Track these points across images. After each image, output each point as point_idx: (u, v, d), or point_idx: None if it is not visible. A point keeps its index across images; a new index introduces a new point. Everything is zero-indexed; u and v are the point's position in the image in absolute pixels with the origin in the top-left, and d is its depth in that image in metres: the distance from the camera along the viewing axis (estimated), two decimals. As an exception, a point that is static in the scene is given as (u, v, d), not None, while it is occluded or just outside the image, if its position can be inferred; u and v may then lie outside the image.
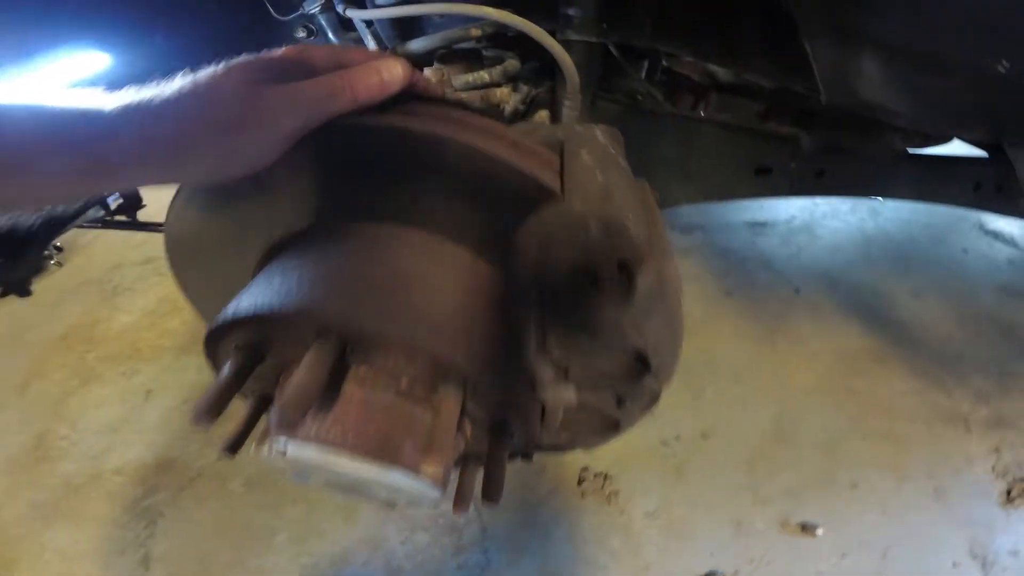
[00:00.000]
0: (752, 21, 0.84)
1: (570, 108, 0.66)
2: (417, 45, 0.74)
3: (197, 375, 1.66)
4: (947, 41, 0.63)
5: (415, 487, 0.41)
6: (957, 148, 1.09)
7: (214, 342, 0.47)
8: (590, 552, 1.08)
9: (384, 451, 0.39)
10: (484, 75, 0.73)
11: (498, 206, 0.43)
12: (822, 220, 1.76)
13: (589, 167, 0.42)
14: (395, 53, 0.76)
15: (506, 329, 0.44)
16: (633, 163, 0.83)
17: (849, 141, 1.06)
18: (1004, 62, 0.58)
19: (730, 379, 1.33)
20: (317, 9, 0.87)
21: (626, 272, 0.40)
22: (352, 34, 0.93)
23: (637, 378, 0.50)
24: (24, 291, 1.13)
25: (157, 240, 0.71)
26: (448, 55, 0.77)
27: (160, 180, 0.41)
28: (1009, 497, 1.15)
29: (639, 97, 0.99)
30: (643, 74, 1.01)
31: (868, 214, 1.84)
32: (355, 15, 0.73)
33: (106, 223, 1.40)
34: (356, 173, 0.46)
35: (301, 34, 0.93)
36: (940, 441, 1.24)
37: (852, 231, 1.71)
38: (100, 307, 1.88)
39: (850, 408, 1.27)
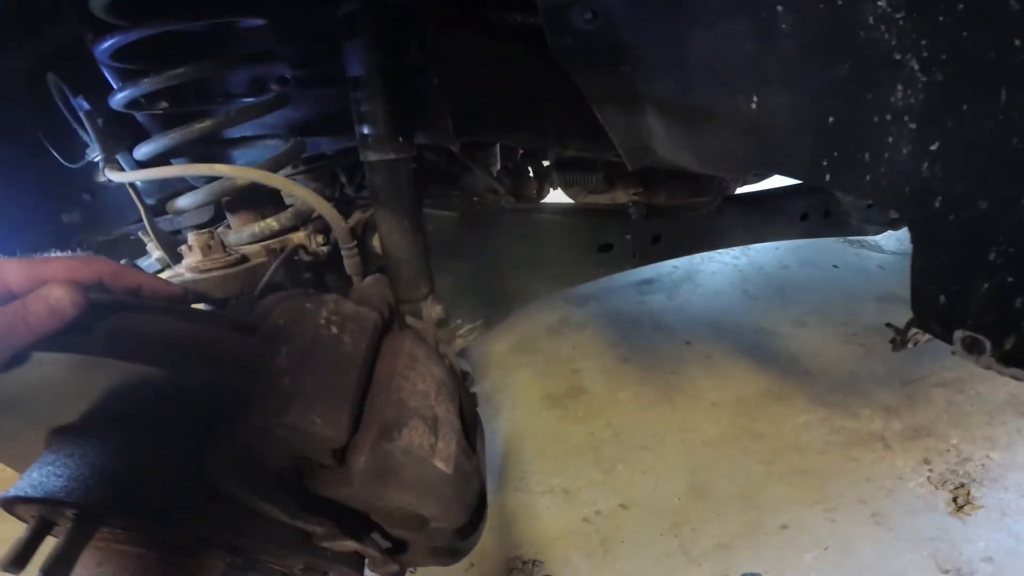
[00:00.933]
0: (554, 103, 0.90)
1: (347, 256, 0.69)
2: (184, 202, 0.75)
3: None
4: (705, 91, 0.68)
5: None
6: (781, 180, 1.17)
7: (8, 507, 0.51)
8: None
9: None
10: (272, 223, 0.76)
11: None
12: (700, 265, 1.87)
13: (280, 371, 0.45)
14: (168, 209, 0.78)
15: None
16: (482, 266, 0.87)
17: (676, 198, 1.14)
18: (753, 99, 0.62)
19: (638, 448, 1.34)
20: (98, 157, 0.90)
21: (341, 456, 0.43)
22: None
23: (423, 527, 0.52)
24: None
25: None
26: (233, 204, 0.79)
27: None
28: (958, 505, 1.16)
29: (475, 198, 1.05)
30: (492, 170, 1.08)
31: (740, 250, 1.94)
32: (113, 176, 0.75)
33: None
34: None
35: (103, 178, 0.95)
36: (861, 465, 1.25)
37: (728, 271, 1.81)
38: None
39: (759, 452, 1.30)
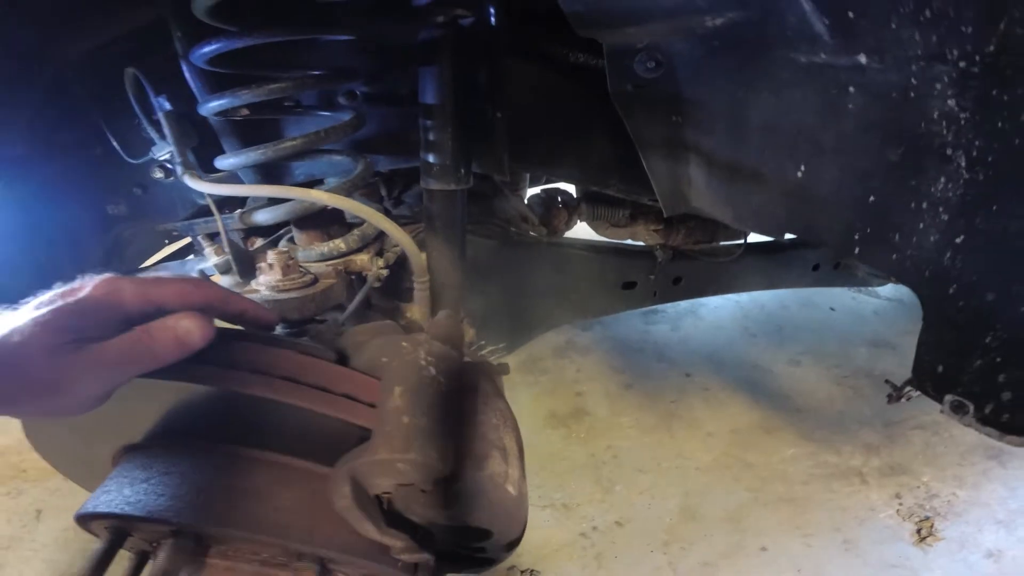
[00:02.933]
0: (602, 142, 0.96)
1: (419, 289, 0.73)
2: (262, 217, 0.79)
3: (87, 496, 1.65)
4: (754, 152, 0.72)
5: None
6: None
7: (85, 521, 0.58)
8: None
9: None
10: (340, 244, 0.80)
11: (322, 438, 0.55)
12: (704, 299, 1.95)
13: (398, 411, 0.52)
14: (242, 221, 0.81)
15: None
16: (512, 292, 0.90)
17: (693, 237, 1.21)
18: (802, 167, 0.66)
19: (636, 470, 1.46)
20: (167, 156, 0.92)
21: (447, 485, 0.53)
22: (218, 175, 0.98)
23: (487, 538, 0.57)
24: None
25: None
26: (302, 221, 0.83)
27: None
28: (921, 536, 1.27)
29: (512, 228, 1.10)
30: (524, 196, 1.13)
31: (742, 287, 2.03)
32: (192, 184, 0.78)
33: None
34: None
35: (159, 175, 0.98)
36: (838, 496, 1.38)
37: (730, 307, 1.93)
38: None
39: (748, 480, 1.42)
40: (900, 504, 1.33)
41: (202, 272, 0.83)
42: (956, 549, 1.23)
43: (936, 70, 0.48)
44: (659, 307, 1.94)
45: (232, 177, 0.86)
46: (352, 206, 0.62)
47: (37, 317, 0.44)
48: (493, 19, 0.79)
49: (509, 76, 0.86)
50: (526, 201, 1.28)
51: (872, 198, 0.62)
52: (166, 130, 0.79)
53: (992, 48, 0.44)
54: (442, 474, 0.52)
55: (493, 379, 0.67)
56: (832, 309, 1.88)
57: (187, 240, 1.29)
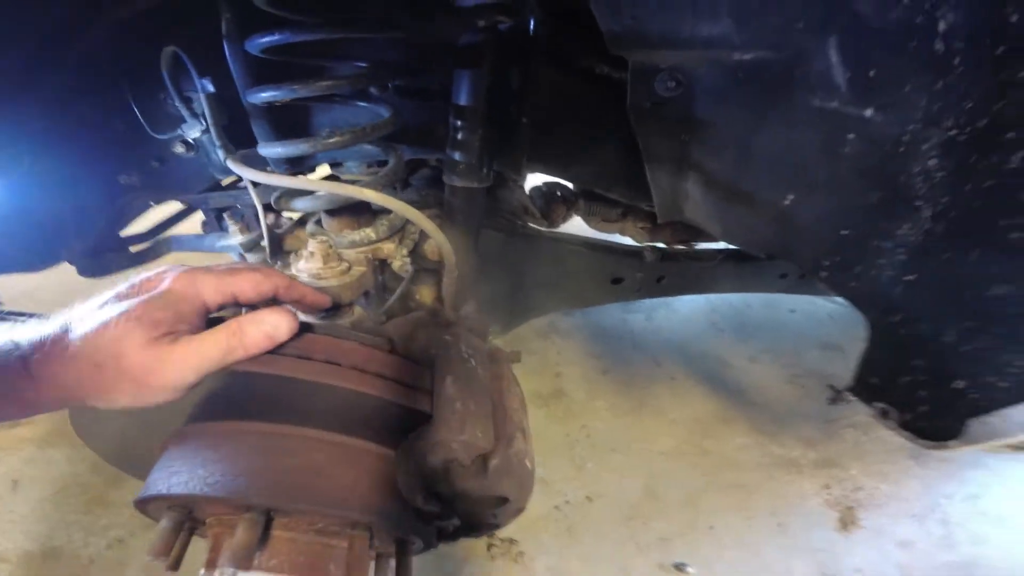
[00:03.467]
0: (612, 150, 1.02)
1: (448, 284, 0.79)
2: (301, 205, 0.83)
3: (68, 467, 1.62)
4: (751, 177, 0.79)
5: None
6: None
7: (145, 503, 0.62)
8: None
9: (313, 570, 0.58)
10: (370, 233, 0.85)
11: (385, 421, 0.62)
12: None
13: (452, 398, 0.61)
14: (278, 205, 0.84)
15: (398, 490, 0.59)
16: (513, 280, 0.97)
17: (678, 237, 1.32)
18: (791, 196, 0.74)
19: (607, 450, 1.59)
20: (198, 134, 0.94)
21: (483, 461, 0.57)
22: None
23: (502, 505, 0.66)
24: None
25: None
26: (335, 210, 0.87)
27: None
28: (843, 523, 1.43)
29: (519, 221, 1.17)
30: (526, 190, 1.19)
31: (715, 285, 2.17)
32: (236, 169, 0.80)
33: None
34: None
35: (180, 149, 0.99)
36: (778, 484, 1.54)
37: (701, 302, 2.09)
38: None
39: (704, 465, 1.57)
40: (829, 494, 1.50)
41: (225, 250, 0.86)
42: (873, 537, 1.39)
43: (929, 132, 0.57)
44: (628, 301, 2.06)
45: (258, 161, 0.88)
46: (401, 208, 0.67)
47: (127, 311, 0.47)
48: (532, 27, 0.84)
49: (537, 82, 0.91)
50: (527, 193, 1.35)
51: (845, 232, 0.72)
52: (206, 112, 0.81)
53: (983, 124, 0.53)
54: (484, 452, 0.61)
55: (510, 366, 0.76)
56: (792, 311, 2.04)
57: (179, 209, 1.30)
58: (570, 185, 1.41)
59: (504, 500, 0.69)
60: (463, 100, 0.84)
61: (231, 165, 0.76)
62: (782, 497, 1.48)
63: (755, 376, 1.81)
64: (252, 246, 0.85)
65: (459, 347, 0.66)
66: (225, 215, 0.92)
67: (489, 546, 1.34)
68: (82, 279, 1.14)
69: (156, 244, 1.09)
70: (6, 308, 1.31)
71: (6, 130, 0.82)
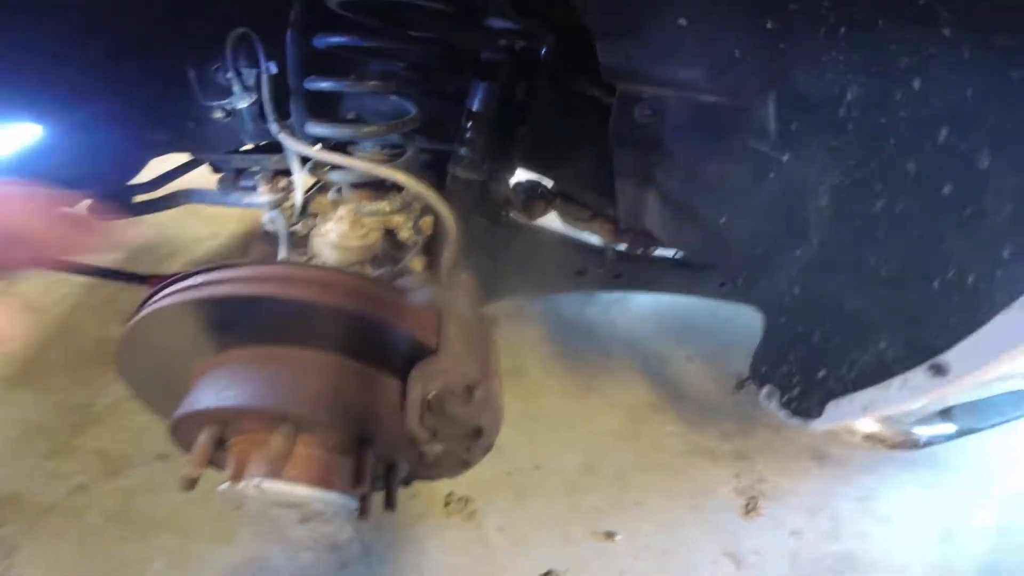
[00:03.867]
0: (588, 161, 1.18)
1: (448, 256, 0.95)
2: (338, 176, 0.97)
3: (33, 411, 1.63)
4: (696, 198, 0.96)
5: (342, 503, 0.73)
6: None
7: (184, 422, 0.74)
8: (456, 560, 1.41)
9: (325, 482, 0.70)
10: (385, 206, 1.00)
11: (402, 352, 0.76)
12: (633, 295, 2.29)
13: (453, 338, 0.76)
14: (314, 174, 0.97)
15: (401, 413, 0.74)
16: (491, 262, 1.13)
17: (643, 244, 1.53)
18: (724, 218, 0.91)
19: (555, 426, 1.78)
20: (246, 105, 1.06)
21: (469, 391, 0.74)
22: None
23: (476, 438, 0.83)
24: None
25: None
26: (358, 184, 1.02)
27: None
28: (747, 509, 1.63)
29: (502, 212, 1.34)
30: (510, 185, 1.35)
31: (667, 288, 2.37)
32: (288, 143, 0.93)
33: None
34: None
35: (218, 115, 1.11)
36: (696, 470, 1.74)
37: (652, 302, 2.29)
38: None
39: (637, 446, 1.78)
40: (738, 482, 1.69)
41: (250, 206, 0.99)
42: (770, 524, 1.59)
43: (823, 177, 0.74)
44: (589, 292, 2.24)
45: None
46: (424, 190, 0.83)
47: None
48: (543, 52, 1.01)
49: (539, 98, 1.08)
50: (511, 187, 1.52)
51: (758, 251, 0.91)
52: (264, 89, 0.93)
53: (859, 176, 0.69)
54: (474, 383, 0.78)
55: (492, 327, 0.93)
56: (728, 320, 2.24)
57: (184, 161, 1.39)
58: (549, 184, 1.60)
59: (479, 432, 0.86)
60: (476, 106, 1.01)
61: (283, 139, 0.89)
62: (698, 481, 1.69)
63: (689, 373, 2.03)
64: (277, 205, 0.98)
65: (460, 301, 0.82)
66: (257, 176, 1.04)
67: (447, 503, 1.49)
68: None
69: (173, 195, 1.18)
70: None
71: (66, 79, 0.92)
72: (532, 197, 1.47)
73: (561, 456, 1.68)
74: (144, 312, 0.78)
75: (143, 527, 1.36)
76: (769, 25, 0.69)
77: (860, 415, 0.75)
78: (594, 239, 1.60)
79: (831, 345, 0.77)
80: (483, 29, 0.96)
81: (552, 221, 1.63)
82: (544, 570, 1.40)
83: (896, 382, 0.66)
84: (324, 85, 0.89)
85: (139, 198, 1.23)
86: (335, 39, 0.85)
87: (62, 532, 1.33)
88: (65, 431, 1.57)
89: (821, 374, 0.79)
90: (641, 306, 2.28)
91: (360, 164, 0.86)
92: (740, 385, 1.49)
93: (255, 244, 1.23)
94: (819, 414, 0.80)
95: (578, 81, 1.09)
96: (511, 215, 1.37)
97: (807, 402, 0.82)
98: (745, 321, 2.26)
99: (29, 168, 1.03)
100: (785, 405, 0.85)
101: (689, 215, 1.00)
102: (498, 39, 0.96)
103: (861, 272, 0.72)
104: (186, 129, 1.14)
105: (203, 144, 1.17)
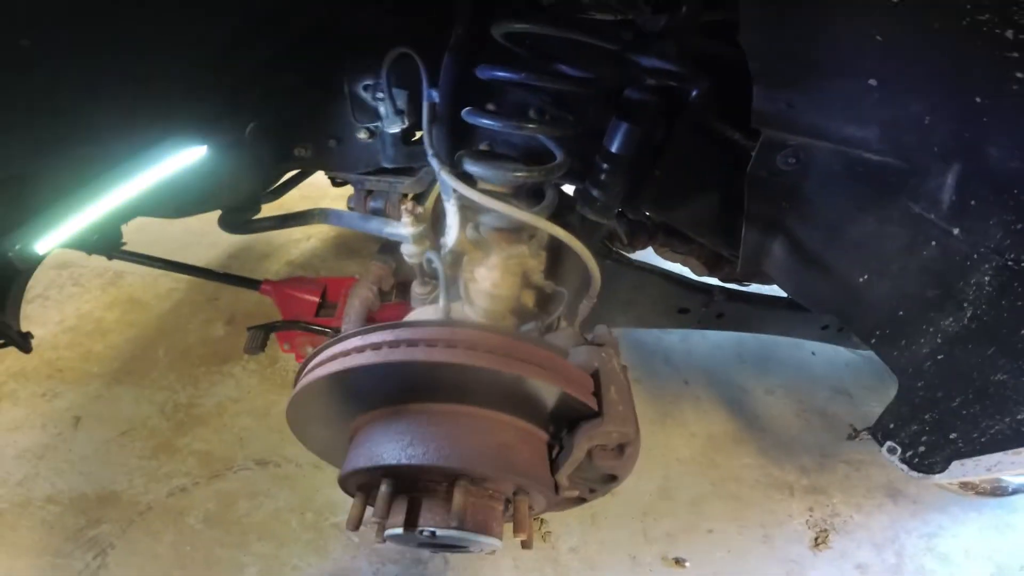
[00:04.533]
0: (712, 201, 1.15)
1: (588, 306, 0.97)
2: (488, 220, 0.99)
3: (134, 407, 1.70)
4: (835, 252, 0.94)
5: (491, 543, 0.79)
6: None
7: (363, 474, 0.80)
8: None
9: (489, 529, 0.78)
10: (524, 249, 1.01)
11: (555, 407, 0.80)
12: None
13: (615, 401, 0.81)
14: (463, 214, 0.99)
15: (553, 465, 0.80)
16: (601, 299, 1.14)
17: (736, 282, 1.52)
18: (865, 276, 0.90)
19: None
20: (397, 129, 1.08)
21: (622, 448, 0.81)
22: (410, 148, 1.14)
23: (607, 484, 0.87)
24: (26, 345, 1.15)
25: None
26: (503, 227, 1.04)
27: None
28: (816, 543, 1.67)
29: (612, 248, 1.36)
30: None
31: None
32: (449, 181, 0.92)
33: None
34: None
35: (362, 135, 1.14)
36: (771, 502, 1.77)
37: (732, 334, 2.25)
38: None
39: (712, 475, 1.80)
40: (811, 516, 1.72)
41: (392, 236, 1.03)
42: (837, 557, 1.62)
43: (992, 256, 0.74)
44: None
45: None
46: (577, 246, 0.87)
47: None
48: (695, 95, 0.99)
49: (677, 140, 1.03)
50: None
51: (901, 313, 0.89)
52: (424, 118, 0.96)
53: None
54: (628, 442, 0.82)
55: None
56: (813, 354, 2.26)
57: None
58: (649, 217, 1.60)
59: (613, 479, 0.90)
60: (614, 147, 0.99)
61: (446, 177, 0.91)
62: (772, 513, 1.72)
63: (769, 406, 2.03)
64: (420, 239, 1.01)
65: (613, 362, 0.85)
66: (400, 203, 1.08)
67: (524, 526, 1.55)
68: (191, 219, 1.22)
69: (306, 213, 1.23)
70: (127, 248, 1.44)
71: (230, 91, 0.95)
72: (636, 231, 1.48)
73: (637, 482, 1.71)
74: (313, 376, 0.82)
75: (240, 532, 1.44)
76: (978, 100, 0.67)
77: (983, 474, 0.80)
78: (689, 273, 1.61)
79: (969, 412, 0.79)
80: (635, 66, 0.95)
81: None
82: None
83: (1028, 450, 0.68)
84: (487, 123, 0.89)
85: (267, 209, 1.28)
86: (503, 73, 0.86)
87: (158, 533, 1.40)
88: (168, 431, 1.64)
89: (952, 436, 0.81)
90: (719, 334, 2.23)
91: (526, 215, 0.88)
92: (855, 435, 1.49)
93: (372, 263, 1.27)
94: (943, 471, 0.83)
95: (718, 123, 1.06)
96: (616, 250, 1.39)
97: (932, 459, 0.84)
98: (831, 356, 2.29)
99: (175, 179, 1.08)
100: (907, 461, 0.87)
101: (822, 268, 0.97)
102: (648, 78, 0.96)
103: (1013, 349, 0.73)
104: (327, 147, 1.16)
105: (342, 163, 1.18)
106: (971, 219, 0.76)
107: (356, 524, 0.79)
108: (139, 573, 1.34)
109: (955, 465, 0.83)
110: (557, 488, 0.85)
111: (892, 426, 0.90)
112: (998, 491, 1.80)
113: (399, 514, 0.77)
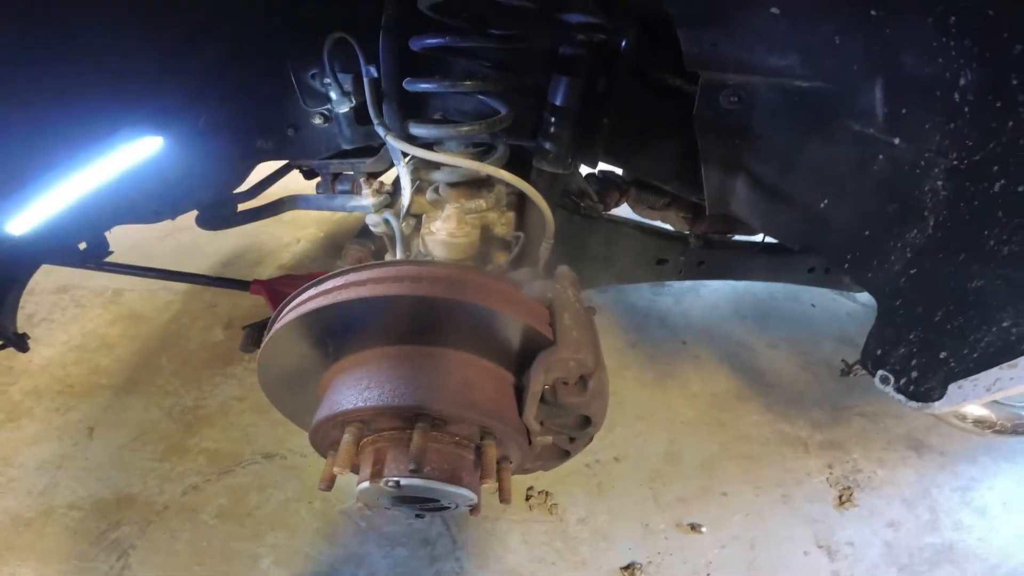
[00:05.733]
0: (672, 150, 1.20)
1: (545, 249, 1.00)
2: (440, 176, 1.04)
3: (144, 413, 1.78)
4: (793, 182, 0.96)
5: (467, 498, 0.78)
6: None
7: (325, 425, 0.80)
8: (539, 553, 1.47)
9: (457, 478, 0.77)
10: (482, 203, 1.06)
11: (517, 344, 0.81)
12: (706, 282, 2.29)
13: (570, 327, 0.81)
14: (417, 176, 1.04)
15: (518, 405, 0.80)
16: (567, 253, 1.18)
17: (720, 231, 1.53)
18: (825, 201, 0.92)
19: (634, 416, 1.81)
20: (346, 109, 1.14)
21: (584, 380, 0.78)
22: (365, 127, 1.19)
23: (583, 428, 0.88)
24: (23, 345, 1.23)
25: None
26: (456, 183, 1.09)
27: None
28: (841, 501, 1.63)
29: (581, 204, 1.39)
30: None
31: (741, 275, 2.35)
32: (394, 143, 0.98)
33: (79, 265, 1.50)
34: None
35: (317, 120, 1.20)
36: (786, 460, 1.73)
37: (727, 290, 2.28)
38: (16, 339, 1.98)
39: (720, 436, 1.78)
40: (831, 473, 1.68)
41: (356, 209, 1.08)
42: (866, 515, 1.57)
43: (939, 160, 0.75)
44: (667, 281, 2.27)
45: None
46: (527, 188, 0.90)
47: None
48: (624, 45, 1.04)
49: (619, 89, 1.10)
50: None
51: (867, 232, 0.90)
52: (367, 93, 1.01)
53: (978, 158, 0.70)
54: (589, 372, 0.82)
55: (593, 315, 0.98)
56: (813, 305, 2.23)
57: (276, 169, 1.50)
58: (620, 173, 1.62)
59: (587, 422, 0.91)
60: (558, 100, 1.05)
61: (392, 141, 0.97)
62: (789, 472, 1.68)
63: (773, 361, 2.01)
64: (381, 207, 1.06)
65: (568, 292, 0.87)
66: (361, 180, 1.13)
67: (527, 496, 1.55)
68: (182, 234, 1.30)
69: (278, 202, 1.30)
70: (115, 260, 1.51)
71: (183, 87, 1.01)
72: (607, 187, 1.51)
73: (642, 447, 1.71)
74: (283, 321, 0.84)
75: (253, 525, 1.49)
76: (873, 12, 0.70)
77: (984, 396, 0.76)
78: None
79: (953, 325, 0.77)
80: (563, 24, 0.99)
81: (623, 211, 1.68)
82: (626, 562, 1.43)
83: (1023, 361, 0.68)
84: (425, 86, 0.94)
85: (242, 206, 1.36)
86: (432, 40, 0.90)
87: (175, 531, 1.46)
88: (177, 433, 1.72)
89: (942, 355, 0.80)
90: (715, 293, 2.27)
91: (472, 163, 0.93)
92: (847, 370, 1.48)
93: (350, 246, 1.33)
94: (940, 396, 0.80)
95: (658, 71, 1.11)
96: (586, 206, 1.42)
97: (927, 384, 0.82)
98: (832, 306, 2.26)
99: (147, 179, 1.13)
100: (902, 389, 0.85)
101: (784, 199, 1.00)
102: (578, 34, 1.00)
103: (982, 251, 0.72)
104: (287, 136, 1.22)
105: (303, 150, 1.23)
106: (908, 127, 0.78)
107: (329, 483, 0.78)
108: (161, 572, 1.39)
109: (952, 389, 0.80)
110: (528, 432, 0.85)
111: (879, 352, 0.90)
112: (1020, 428, 1.74)
113: (367, 468, 0.78)
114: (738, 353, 2.04)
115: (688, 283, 2.22)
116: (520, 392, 0.86)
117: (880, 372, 0.90)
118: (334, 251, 2.53)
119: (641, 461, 1.68)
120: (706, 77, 0.95)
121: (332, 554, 1.43)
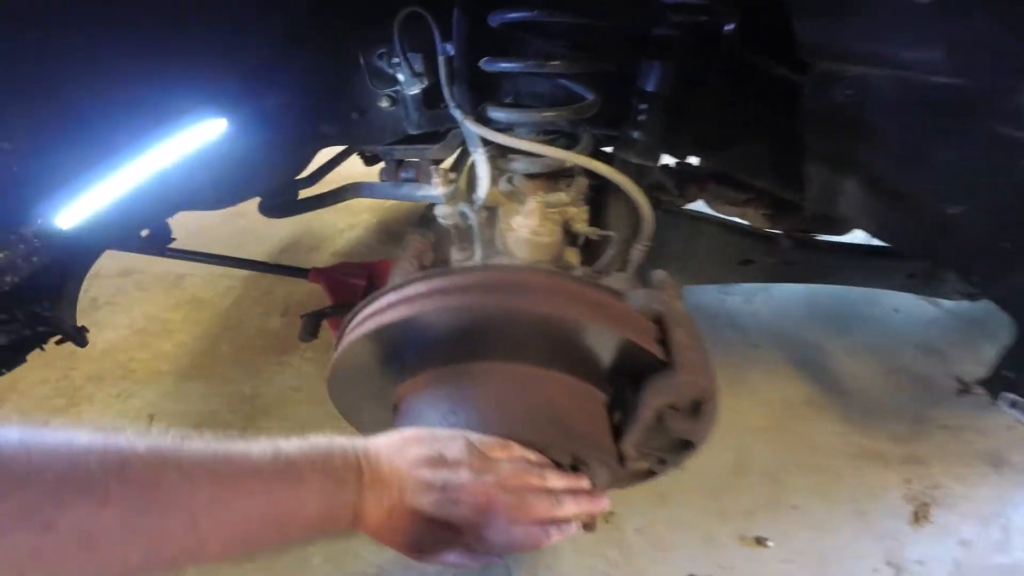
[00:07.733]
0: (766, 142, 1.12)
1: (641, 249, 0.93)
2: (519, 166, 0.98)
3: (204, 403, 1.78)
4: (920, 184, 0.88)
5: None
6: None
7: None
8: (593, 562, 1.41)
9: None
10: (563, 196, 0.99)
11: (612, 360, 0.74)
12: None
13: (686, 345, 0.73)
14: (496, 166, 0.98)
15: (616, 429, 0.74)
16: (651, 252, 1.12)
17: (803, 231, 1.43)
18: (955, 207, 0.84)
19: None
20: (417, 91, 1.09)
21: (697, 405, 0.72)
22: (433, 111, 1.14)
23: (680, 452, 0.82)
24: (82, 340, 1.23)
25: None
26: (534, 174, 1.02)
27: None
28: (916, 518, 1.55)
29: (660, 197, 1.31)
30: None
31: (815, 275, 2.22)
32: (473, 128, 0.92)
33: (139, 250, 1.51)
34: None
35: (384, 103, 1.14)
36: (862, 473, 1.65)
37: (801, 290, 2.14)
38: (79, 321, 2.03)
39: (792, 445, 1.69)
40: (908, 488, 1.60)
41: (425, 199, 1.03)
42: (939, 533, 1.49)
43: None
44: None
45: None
46: (624, 181, 0.82)
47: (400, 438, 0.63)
48: (727, 29, 0.96)
49: (714, 76, 1.01)
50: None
51: (1005, 244, 0.81)
52: (442, 73, 0.95)
53: None
54: (704, 398, 0.73)
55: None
56: (895, 311, 2.10)
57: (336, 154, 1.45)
58: (697, 165, 1.53)
59: (687, 446, 0.84)
60: (650, 86, 0.96)
61: (471, 126, 0.91)
62: (864, 486, 1.60)
63: (850, 367, 1.89)
64: (451, 197, 1.01)
65: (676, 304, 0.79)
66: (431, 167, 1.08)
67: (587, 508, 1.52)
68: (240, 220, 1.28)
69: (341, 189, 1.26)
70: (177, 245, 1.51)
71: (246, 68, 0.97)
72: (685, 180, 1.43)
73: (708, 456, 1.58)
74: (360, 332, 0.77)
75: (306, 521, 1.50)
76: None
77: None
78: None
79: None
80: (658, 4, 0.92)
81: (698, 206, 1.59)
82: (684, 575, 1.38)
83: None
84: (507, 66, 0.87)
85: (304, 193, 1.33)
86: (516, 14, 0.83)
87: None
88: (238, 422, 1.71)
89: None
90: (788, 294, 2.15)
91: (563, 153, 0.86)
92: (965, 389, 1.36)
93: (412, 236, 1.28)
94: None
95: (760, 58, 1.02)
96: (667, 200, 1.34)
97: None
98: (916, 312, 2.12)
99: (212, 163, 1.09)
100: None
101: (905, 202, 0.91)
102: (674, 14, 0.92)
103: None
104: (351, 120, 1.16)
105: (368, 135, 1.18)
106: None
107: None
108: (211, 566, 1.43)
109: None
110: (622, 459, 0.77)
111: (1010, 375, 0.83)
112: None
113: None
114: (813, 359, 1.92)
115: (759, 284, 2.11)
116: (612, 412, 0.79)
117: (1010, 396, 0.83)
118: (387, 238, 2.53)
119: (706, 470, 1.59)
120: (820, 67, 0.86)
121: (381, 555, 1.41)
